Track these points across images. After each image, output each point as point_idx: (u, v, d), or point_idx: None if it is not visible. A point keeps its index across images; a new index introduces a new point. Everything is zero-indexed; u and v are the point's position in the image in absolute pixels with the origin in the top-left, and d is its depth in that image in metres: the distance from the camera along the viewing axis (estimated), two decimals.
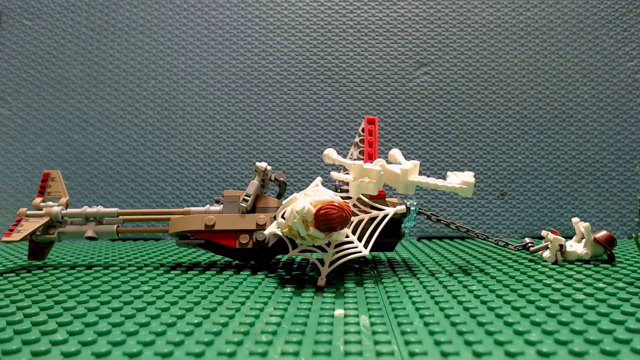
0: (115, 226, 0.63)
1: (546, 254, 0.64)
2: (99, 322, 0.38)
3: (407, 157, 0.99)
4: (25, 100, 1.03)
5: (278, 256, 0.72)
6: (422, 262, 0.67)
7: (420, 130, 1.01)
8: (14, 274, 0.59)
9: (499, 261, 0.66)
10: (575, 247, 0.65)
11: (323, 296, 0.47)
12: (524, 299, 0.45)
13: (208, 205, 0.62)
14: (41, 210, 0.64)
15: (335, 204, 0.47)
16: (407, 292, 0.48)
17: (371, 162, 0.56)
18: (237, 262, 0.67)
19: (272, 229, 0.52)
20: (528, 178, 0.99)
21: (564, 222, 0.98)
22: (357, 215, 0.54)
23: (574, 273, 0.57)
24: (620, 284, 0.51)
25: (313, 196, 0.49)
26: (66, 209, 0.64)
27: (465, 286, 0.51)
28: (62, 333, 0.36)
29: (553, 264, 0.62)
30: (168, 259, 0.71)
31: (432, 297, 0.46)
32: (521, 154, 1.00)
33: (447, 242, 0.92)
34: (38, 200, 0.65)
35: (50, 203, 0.65)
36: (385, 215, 0.53)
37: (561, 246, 0.63)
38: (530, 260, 0.66)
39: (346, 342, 0.33)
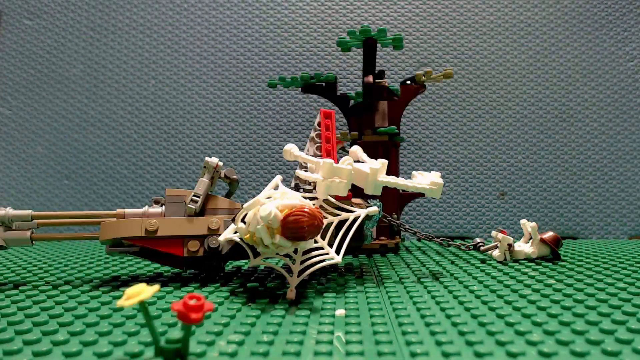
0: (28, 232, 0.52)
1: (495, 252, 0.66)
2: (100, 323, 0.38)
3: (406, 157, 0.99)
4: (25, 100, 1.03)
5: (232, 263, 0.65)
6: (423, 262, 0.67)
7: (420, 130, 1.01)
8: (13, 274, 0.59)
9: (499, 261, 0.66)
10: (523, 246, 0.67)
11: (324, 296, 0.47)
12: (525, 299, 0.45)
13: (146, 207, 0.54)
14: None
15: (306, 209, 0.41)
16: (408, 292, 0.48)
17: (333, 160, 0.50)
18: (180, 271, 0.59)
19: (228, 234, 0.46)
20: (528, 178, 0.99)
21: (564, 222, 0.98)
22: (326, 218, 0.48)
23: (575, 274, 0.57)
24: (622, 285, 0.51)
25: (280, 200, 0.43)
26: None
27: (466, 286, 0.51)
28: (63, 333, 0.36)
29: (501, 262, 0.64)
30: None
31: (433, 297, 0.46)
32: (521, 154, 1.00)
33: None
34: None
35: None
36: (356, 218, 0.49)
37: (509, 245, 0.65)
38: (531, 261, 0.66)
39: (347, 342, 0.33)
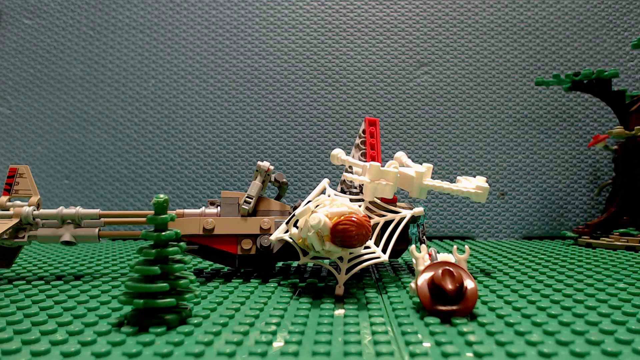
0: (96, 229, 0.55)
1: None
2: (99, 323, 0.38)
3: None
4: (25, 100, 1.03)
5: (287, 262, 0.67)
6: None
7: (421, 130, 1.01)
8: (13, 274, 0.59)
9: (499, 261, 0.66)
10: None
11: (323, 296, 0.47)
12: (524, 300, 0.45)
13: (203, 208, 0.57)
14: (8, 210, 0.55)
15: (353, 219, 0.42)
16: (408, 292, 0.48)
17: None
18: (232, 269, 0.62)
19: (279, 234, 0.48)
20: (528, 178, 0.99)
21: (564, 222, 0.98)
22: (372, 218, 0.50)
23: (575, 274, 0.57)
24: (622, 285, 0.51)
25: (329, 207, 0.44)
26: (38, 209, 0.56)
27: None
28: (61, 333, 0.36)
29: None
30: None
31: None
32: (521, 153, 1.00)
33: (447, 243, 0.92)
34: (4, 199, 0.56)
35: (18, 202, 0.57)
36: (402, 218, 0.50)
37: None
38: (531, 261, 0.66)
39: (346, 343, 0.33)
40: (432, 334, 0.35)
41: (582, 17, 1.01)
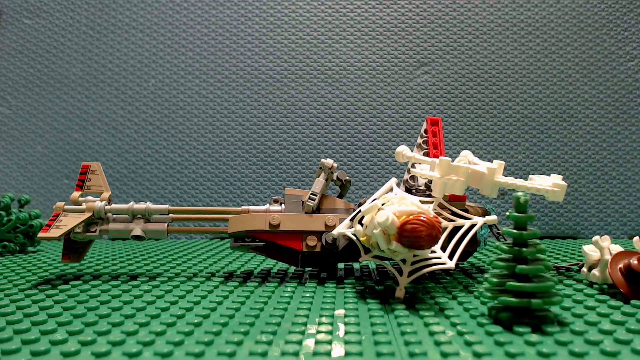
0: (165, 225, 0.56)
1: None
2: (99, 322, 0.38)
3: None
4: (25, 99, 1.03)
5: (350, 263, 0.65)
6: None
7: (421, 130, 1.00)
8: (13, 273, 0.59)
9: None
10: None
11: (323, 296, 0.47)
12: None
13: (267, 205, 0.57)
14: (80, 205, 0.57)
15: (422, 218, 0.40)
16: (408, 292, 0.48)
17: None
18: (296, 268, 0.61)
19: (341, 229, 0.47)
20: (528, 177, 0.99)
21: (564, 222, 0.98)
22: (441, 222, 0.46)
23: (574, 273, 0.57)
24: None
25: (397, 205, 0.43)
26: (109, 204, 0.58)
27: (465, 286, 0.51)
28: (61, 333, 0.36)
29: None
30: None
31: (432, 297, 0.46)
32: (521, 153, 1.00)
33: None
34: (77, 194, 0.58)
35: (90, 198, 0.58)
36: (473, 225, 0.46)
37: None
38: None
39: (346, 342, 0.33)
40: (431, 334, 0.35)
41: (582, 16, 1.01)
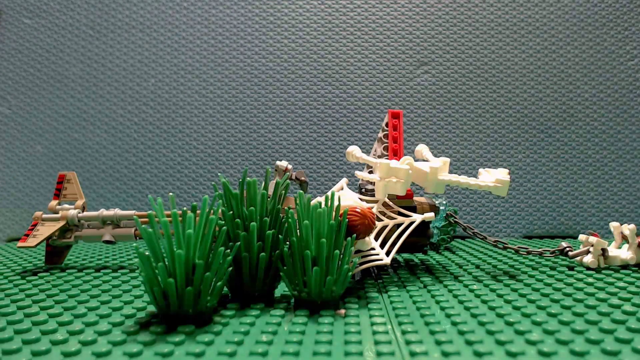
0: (133, 229, 0.61)
1: (587, 258, 0.59)
2: (100, 322, 0.38)
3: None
4: (25, 99, 1.03)
5: None
6: (423, 261, 0.67)
7: (421, 130, 1.01)
8: (13, 273, 0.59)
9: (499, 260, 0.66)
10: (619, 252, 0.60)
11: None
12: (524, 299, 0.45)
13: None
14: (57, 213, 0.62)
15: (357, 210, 0.44)
16: (408, 291, 0.48)
17: (397, 159, 0.52)
18: None
19: None
20: (528, 177, 0.99)
21: (564, 222, 0.98)
22: (382, 220, 0.51)
23: (575, 272, 0.57)
24: (621, 284, 0.51)
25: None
26: (83, 211, 0.62)
27: (466, 285, 0.51)
28: (62, 333, 0.36)
29: (595, 270, 0.58)
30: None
31: (433, 296, 0.46)
32: (522, 153, 1.00)
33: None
34: (54, 203, 0.63)
35: (66, 206, 0.63)
36: (412, 223, 0.50)
37: (604, 250, 0.59)
38: (531, 260, 0.66)
39: (346, 343, 0.33)
40: (432, 333, 0.35)
41: (582, 16, 1.01)
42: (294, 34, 1.03)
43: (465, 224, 0.63)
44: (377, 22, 1.03)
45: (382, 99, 1.01)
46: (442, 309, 0.42)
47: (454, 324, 0.37)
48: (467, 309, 0.42)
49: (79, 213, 0.62)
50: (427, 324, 0.38)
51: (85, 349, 0.32)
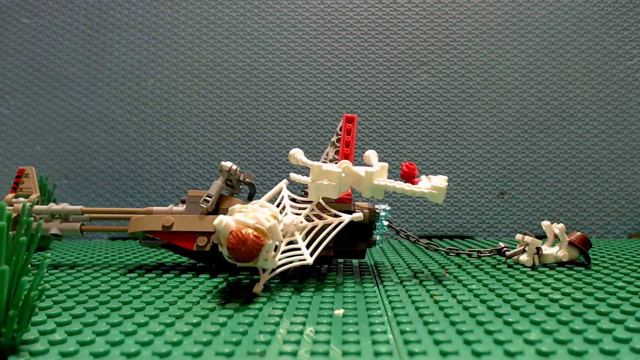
0: (78, 224, 0.62)
1: (523, 257, 0.62)
2: (98, 322, 0.38)
3: (406, 157, 0.99)
4: (23, 99, 1.03)
5: None
6: (423, 261, 0.67)
7: (420, 129, 1.01)
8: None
9: (499, 260, 0.66)
10: (551, 250, 0.63)
11: (322, 295, 0.47)
12: (523, 298, 0.45)
13: (172, 205, 0.60)
14: (12, 206, 0.63)
15: (242, 232, 0.41)
16: (407, 291, 0.48)
17: (350, 164, 0.52)
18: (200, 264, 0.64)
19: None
20: (528, 177, 0.99)
21: (564, 221, 0.98)
22: (312, 220, 0.51)
23: (574, 272, 0.57)
24: (620, 284, 0.51)
25: (246, 213, 0.44)
26: (38, 204, 0.63)
27: (464, 285, 0.51)
28: (60, 333, 0.35)
29: (531, 267, 0.61)
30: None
31: (431, 296, 0.46)
32: (521, 152, 1.00)
33: (447, 242, 0.92)
34: (10, 196, 0.65)
35: (22, 199, 0.64)
36: (340, 223, 0.50)
37: (538, 249, 0.61)
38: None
39: (344, 342, 0.33)
40: (430, 332, 0.35)
41: (582, 16, 1.01)
42: (293, 34, 1.03)
43: (398, 227, 0.65)
44: (377, 22, 1.03)
45: (382, 98, 1.01)
46: (441, 308, 0.42)
47: (453, 323, 0.37)
48: (465, 308, 0.42)
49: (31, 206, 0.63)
50: (425, 323, 0.37)
51: (83, 349, 0.32)
